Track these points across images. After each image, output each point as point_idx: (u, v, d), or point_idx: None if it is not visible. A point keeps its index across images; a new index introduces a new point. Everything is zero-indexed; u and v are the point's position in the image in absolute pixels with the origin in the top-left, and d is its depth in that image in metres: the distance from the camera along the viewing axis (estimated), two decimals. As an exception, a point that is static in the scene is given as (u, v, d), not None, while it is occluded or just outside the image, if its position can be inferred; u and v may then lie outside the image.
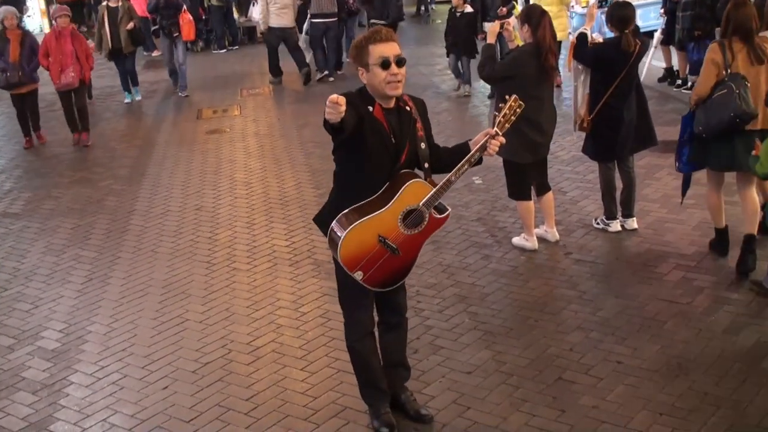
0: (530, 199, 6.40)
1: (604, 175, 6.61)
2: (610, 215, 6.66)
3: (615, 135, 6.36)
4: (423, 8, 22.54)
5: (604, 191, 6.66)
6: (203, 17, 18.08)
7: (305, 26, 14.13)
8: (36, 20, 21.63)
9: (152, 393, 4.85)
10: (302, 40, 14.21)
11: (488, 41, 6.25)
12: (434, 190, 3.84)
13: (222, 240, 7.18)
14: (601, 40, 6.79)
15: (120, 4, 12.57)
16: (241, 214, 7.79)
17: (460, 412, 4.43)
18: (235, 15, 18.89)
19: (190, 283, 6.35)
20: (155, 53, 17.11)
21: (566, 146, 8.89)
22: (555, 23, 6.65)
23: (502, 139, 3.85)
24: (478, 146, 3.85)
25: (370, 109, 3.84)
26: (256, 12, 14.37)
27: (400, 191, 3.82)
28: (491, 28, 6.38)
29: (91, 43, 11.79)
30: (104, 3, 12.78)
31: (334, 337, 5.29)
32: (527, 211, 6.39)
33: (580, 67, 6.54)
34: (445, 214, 3.97)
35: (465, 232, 6.87)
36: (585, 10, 10.33)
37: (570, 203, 7.35)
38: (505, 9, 11.65)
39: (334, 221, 3.88)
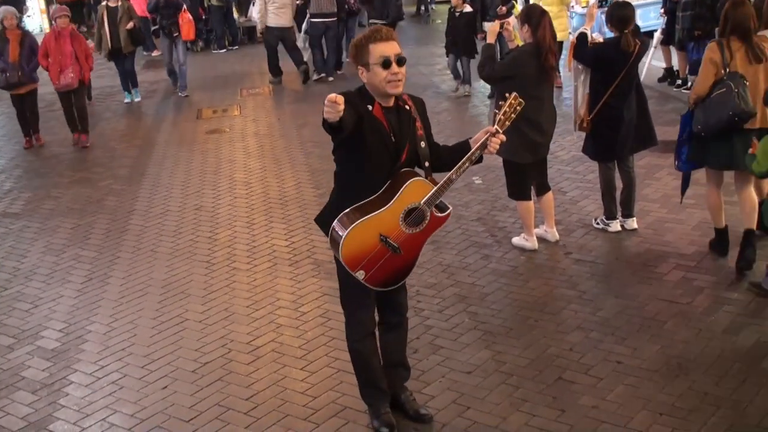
0: (530, 199, 6.40)
1: (604, 175, 6.61)
2: (610, 215, 6.66)
3: (615, 135, 6.37)
4: (423, 8, 22.55)
5: (604, 191, 6.66)
6: (203, 17, 18.07)
7: (304, 26, 14.12)
8: (36, 20, 21.63)
9: (152, 393, 4.85)
10: (301, 40, 14.21)
11: (488, 41, 6.25)
12: (435, 188, 3.84)
13: (222, 240, 7.18)
14: (601, 40, 6.79)
15: (119, 3, 12.55)
16: (241, 213, 7.79)
17: (459, 411, 4.43)
18: (235, 15, 18.89)
19: (190, 282, 6.35)
20: (155, 53, 17.11)
21: (566, 146, 8.89)
22: (555, 23, 6.65)
23: (503, 137, 3.85)
24: (478, 144, 3.86)
25: (370, 108, 3.84)
26: (255, 12, 14.36)
27: (401, 190, 3.82)
28: (491, 27, 6.38)
29: (90, 43, 11.78)
30: (104, 3, 12.76)
31: (334, 336, 5.29)
32: (527, 211, 6.39)
33: (580, 66, 6.54)
34: (446, 212, 3.97)
35: (465, 231, 6.87)
36: (585, 10, 10.33)
37: (570, 203, 7.35)
38: (504, 8, 11.65)
39: (336, 220, 3.88)
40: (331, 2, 13.69)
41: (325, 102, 3.45)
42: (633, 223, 6.66)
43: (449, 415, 4.40)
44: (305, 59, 14.02)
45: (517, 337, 5.16)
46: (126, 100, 13.27)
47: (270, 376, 4.91)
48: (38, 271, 6.79)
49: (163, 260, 6.81)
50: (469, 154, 3.85)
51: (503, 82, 5.88)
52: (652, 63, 11.78)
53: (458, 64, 12.07)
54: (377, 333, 4.28)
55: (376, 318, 4.27)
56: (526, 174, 6.32)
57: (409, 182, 3.83)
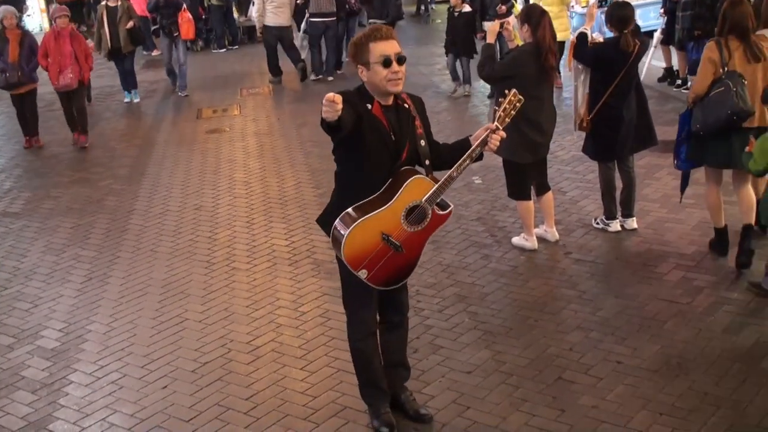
0: (530, 198, 6.39)
1: (604, 175, 6.61)
2: (610, 215, 6.66)
3: (614, 134, 6.37)
4: (423, 8, 22.55)
5: (604, 191, 6.66)
6: (203, 17, 18.07)
7: (303, 25, 14.11)
8: (36, 19, 21.62)
9: (152, 392, 4.84)
10: (299, 38, 14.19)
11: (488, 41, 6.25)
12: (436, 186, 3.84)
13: (221, 239, 7.17)
14: (601, 39, 6.79)
15: (119, 3, 12.52)
16: (241, 213, 7.79)
17: (459, 411, 4.43)
18: (235, 15, 18.88)
19: (190, 282, 6.34)
20: (155, 53, 17.10)
21: (566, 146, 8.89)
22: (556, 23, 6.65)
23: (503, 134, 3.86)
24: (479, 141, 3.86)
25: (369, 106, 3.85)
26: (255, 11, 14.35)
27: (402, 188, 3.81)
28: (491, 27, 6.38)
29: (90, 43, 11.77)
30: (103, 2, 12.74)
31: (334, 336, 5.29)
32: (527, 210, 6.39)
33: (580, 66, 6.54)
34: (448, 210, 3.97)
35: (465, 231, 6.87)
36: (585, 10, 10.32)
37: (570, 203, 7.35)
38: (504, 7, 11.64)
39: (337, 219, 3.87)
40: (330, 2, 13.69)
41: (324, 101, 3.45)
42: (633, 223, 6.66)
43: (449, 415, 4.40)
44: (302, 57, 14.01)
45: (517, 337, 5.16)
46: (126, 100, 13.26)
47: (270, 376, 4.91)
48: (38, 270, 6.78)
49: (163, 260, 6.81)
50: (469, 151, 3.85)
51: (503, 82, 5.88)
52: (652, 63, 11.78)
53: (457, 64, 12.07)
54: (377, 332, 4.28)
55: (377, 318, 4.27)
56: (526, 174, 6.32)
57: (410, 180, 3.83)
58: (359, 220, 3.80)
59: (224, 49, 18.16)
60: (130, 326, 5.69)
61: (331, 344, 5.22)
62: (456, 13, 11.95)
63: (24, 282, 6.57)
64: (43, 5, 21.52)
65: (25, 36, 10.56)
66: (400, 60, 3.80)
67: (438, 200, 3.88)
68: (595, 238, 6.58)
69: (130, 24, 12.47)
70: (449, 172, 3.85)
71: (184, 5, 13.61)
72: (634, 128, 6.40)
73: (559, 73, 11.25)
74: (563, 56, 9.75)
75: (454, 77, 12.18)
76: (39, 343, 5.55)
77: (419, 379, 4.71)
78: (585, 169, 8.03)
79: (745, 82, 5.57)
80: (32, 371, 5.19)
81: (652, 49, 11.20)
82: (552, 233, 6.55)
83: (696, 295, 5.55)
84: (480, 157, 3.94)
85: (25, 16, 19.71)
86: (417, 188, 3.84)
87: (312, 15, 13.73)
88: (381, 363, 4.28)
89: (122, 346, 5.42)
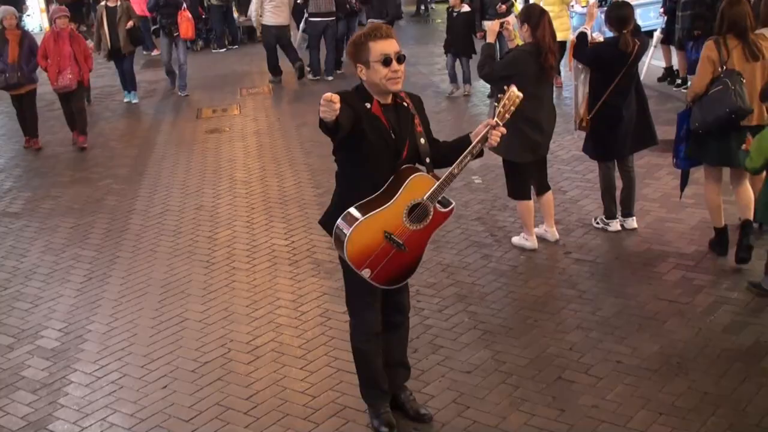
0: (530, 198, 6.39)
1: (604, 175, 6.61)
2: (610, 215, 6.66)
3: (614, 134, 6.37)
4: (423, 8, 22.55)
5: (604, 190, 6.66)
6: (203, 16, 18.06)
7: (302, 25, 14.10)
8: (36, 19, 21.60)
9: (152, 392, 4.84)
10: (298, 39, 14.17)
11: (488, 40, 6.25)
12: (438, 183, 3.84)
13: (221, 239, 7.17)
14: (601, 39, 6.79)
15: (118, 3, 12.51)
16: (241, 213, 7.79)
17: (459, 411, 4.43)
18: (235, 14, 18.87)
19: (190, 282, 6.34)
20: (155, 52, 17.08)
21: (566, 145, 8.89)
22: (556, 23, 6.65)
23: (503, 129, 3.85)
24: (479, 137, 3.86)
25: (368, 106, 3.85)
26: (255, 12, 14.33)
27: (403, 186, 3.81)
28: (491, 27, 6.39)
29: (90, 44, 11.75)
30: (103, 3, 12.73)
31: (334, 336, 5.29)
32: (527, 210, 6.38)
33: (580, 66, 6.55)
34: (450, 207, 3.97)
35: (465, 231, 6.87)
36: (585, 10, 10.32)
37: (570, 202, 7.35)
38: (504, 6, 11.64)
39: (339, 219, 3.86)
40: (330, 2, 13.67)
41: (321, 101, 3.45)
42: (633, 223, 6.66)
43: (449, 415, 4.40)
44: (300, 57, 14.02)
45: (516, 337, 5.16)
46: (126, 100, 13.25)
47: (270, 376, 4.91)
48: (38, 270, 6.78)
49: (163, 260, 6.81)
50: (470, 147, 3.85)
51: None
52: (652, 62, 11.78)
53: (457, 64, 12.05)
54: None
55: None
56: (525, 173, 6.32)
57: (411, 178, 3.83)
58: (361, 219, 3.80)
59: (224, 49, 18.15)
60: (130, 326, 5.69)
61: (331, 344, 5.22)
62: (454, 14, 11.95)
63: (24, 282, 6.57)
64: (42, 5, 21.50)
65: (25, 36, 10.54)
66: (400, 59, 3.81)
67: (440, 198, 3.88)
68: (595, 238, 6.58)
69: (130, 24, 12.45)
70: (450, 169, 3.85)
71: (184, 4, 13.59)
72: (634, 128, 6.40)
73: (560, 72, 11.25)
74: (564, 56, 9.75)
75: (452, 79, 12.14)
76: (39, 343, 5.55)
77: (419, 379, 4.71)
78: (585, 168, 8.03)
79: (744, 81, 5.60)
80: (32, 371, 5.19)
81: (651, 48, 11.19)
82: (552, 233, 6.55)
83: (696, 294, 5.55)
84: (480, 154, 3.94)
85: (24, 16, 19.69)
86: (418, 186, 3.84)
87: (311, 15, 13.72)
88: (382, 364, 4.28)
89: (122, 345, 5.42)
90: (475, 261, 6.31)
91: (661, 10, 11.50)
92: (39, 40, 10.69)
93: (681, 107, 6.43)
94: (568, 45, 7.26)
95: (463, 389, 4.62)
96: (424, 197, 3.85)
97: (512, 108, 3.84)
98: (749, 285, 5.55)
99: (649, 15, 12.29)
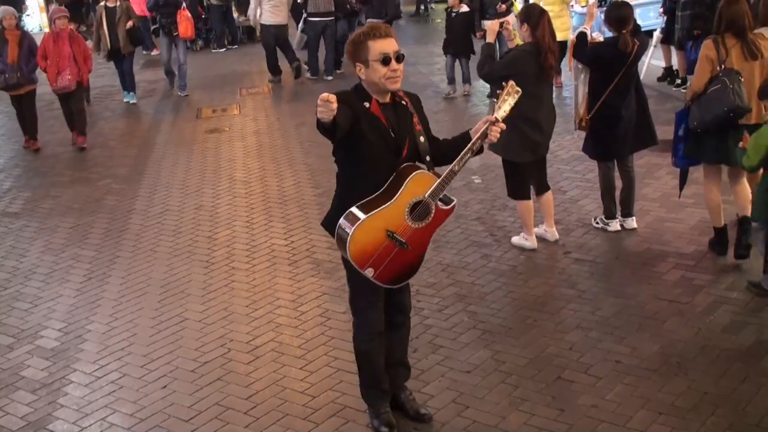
0: (529, 198, 6.39)
1: (604, 175, 6.61)
2: (610, 214, 6.66)
3: (614, 134, 6.37)
4: (422, 7, 22.54)
5: (604, 190, 6.66)
6: (202, 16, 18.04)
7: (300, 25, 14.10)
8: (35, 19, 21.58)
9: (151, 392, 4.84)
10: (296, 40, 14.17)
11: (488, 40, 6.25)
12: (439, 180, 3.84)
13: (221, 239, 7.17)
14: (601, 39, 6.80)
15: (118, 4, 12.50)
16: (240, 213, 7.79)
17: (459, 411, 4.43)
18: (235, 14, 18.86)
19: (189, 282, 6.34)
20: (154, 52, 17.06)
21: (566, 145, 8.89)
22: (557, 22, 6.65)
23: (503, 125, 3.86)
24: (479, 134, 3.86)
25: (367, 105, 3.85)
26: (255, 12, 14.32)
27: (404, 184, 3.81)
28: (491, 26, 6.39)
29: (89, 44, 11.73)
30: (102, 3, 12.71)
31: (334, 336, 5.29)
32: (526, 210, 6.38)
33: (580, 66, 6.55)
34: (451, 205, 3.97)
35: (464, 231, 6.87)
36: (585, 9, 10.32)
37: (569, 202, 7.35)
38: (504, 6, 11.63)
39: (342, 218, 3.86)
40: (328, 1, 13.66)
41: (318, 101, 3.45)
42: (632, 223, 6.66)
43: (449, 415, 4.40)
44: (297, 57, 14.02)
45: (516, 337, 5.16)
46: (125, 99, 13.24)
47: (269, 376, 4.91)
48: (37, 270, 6.78)
49: (163, 260, 6.81)
50: (470, 144, 3.86)
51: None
52: (652, 62, 11.78)
53: (456, 65, 12.03)
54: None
55: None
56: (525, 173, 6.32)
57: (412, 176, 3.83)
58: (364, 218, 3.79)
59: (224, 49, 18.14)
60: (129, 326, 5.69)
61: (331, 344, 5.22)
62: (453, 14, 11.94)
63: (23, 282, 6.57)
64: (42, 4, 21.47)
65: (25, 37, 10.52)
66: (399, 58, 3.81)
67: (441, 195, 3.88)
68: (595, 238, 6.58)
69: (129, 24, 12.43)
70: (451, 166, 3.86)
71: (184, 4, 13.57)
72: (633, 128, 6.40)
73: (560, 72, 11.23)
74: (565, 55, 9.75)
75: (450, 80, 12.08)
76: (38, 342, 5.55)
77: (419, 379, 4.71)
78: (584, 168, 8.03)
79: (742, 80, 5.62)
80: (32, 371, 5.19)
81: (651, 48, 11.19)
82: (551, 233, 6.54)
83: (695, 294, 5.55)
84: (480, 150, 3.95)
85: (24, 15, 19.67)
86: (419, 184, 3.84)
87: (310, 15, 13.70)
88: (384, 364, 4.28)
89: (122, 345, 5.42)
90: (475, 261, 6.31)
91: (661, 9, 11.50)
92: (39, 40, 10.68)
93: (681, 107, 6.43)
94: (569, 45, 7.26)
95: (463, 389, 4.62)
96: (426, 195, 3.85)
97: (511, 104, 3.85)
98: (749, 285, 5.55)
99: (648, 15, 12.29)
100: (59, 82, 10.35)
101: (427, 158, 3.97)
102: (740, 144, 5.46)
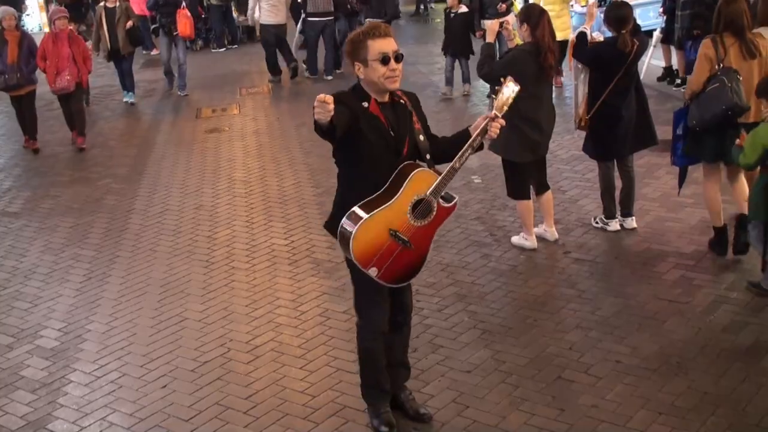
0: (529, 198, 6.39)
1: (604, 174, 6.61)
2: (609, 214, 6.66)
3: (614, 134, 6.37)
4: (422, 7, 22.54)
5: (604, 190, 6.66)
6: (202, 16, 18.03)
7: (299, 26, 14.09)
8: (35, 18, 21.56)
9: (151, 392, 4.84)
10: (295, 41, 14.16)
11: (488, 40, 6.25)
12: (440, 178, 3.84)
13: (221, 239, 7.17)
14: (601, 38, 6.79)
15: (117, 4, 12.49)
16: (240, 212, 7.78)
17: (459, 411, 4.43)
18: (234, 14, 18.86)
19: (189, 282, 6.34)
20: (154, 52, 17.05)
21: (565, 145, 8.89)
22: (557, 22, 6.65)
23: (502, 121, 3.87)
24: (479, 130, 3.87)
25: (366, 105, 3.86)
26: (255, 11, 14.31)
27: (406, 182, 3.81)
28: (490, 26, 6.38)
29: (89, 44, 11.71)
30: (102, 4, 12.70)
31: (334, 336, 5.29)
32: (526, 210, 6.38)
33: (580, 65, 6.55)
34: (453, 202, 3.97)
35: (464, 231, 6.87)
36: (584, 9, 10.32)
37: (569, 202, 7.35)
38: (504, 5, 11.63)
39: (344, 218, 3.85)
40: (327, 1, 13.65)
41: (315, 102, 3.46)
42: (632, 222, 6.66)
43: (448, 414, 4.40)
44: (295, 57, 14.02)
45: (516, 336, 5.16)
46: (125, 99, 13.23)
47: (269, 376, 4.91)
48: (37, 270, 6.78)
49: (163, 259, 6.81)
50: (470, 141, 3.86)
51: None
52: (652, 62, 11.78)
53: (456, 64, 12.01)
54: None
55: None
56: (525, 173, 6.32)
57: (413, 174, 3.83)
58: (366, 218, 3.79)
59: (223, 49, 18.13)
60: (129, 326, 5.69)
61: (331, 344, 5.22)
62: (452, 14, 11.92)
63: (23, 281, 6.57)
64: (42, 3, 21.43)
65: (24, 37, 10.49)
66: (398, 58, 3.82)
67: (442, 193, 3.88)
68: (595, 238, 6.58)
69: (129, 24, 12.42)
70: (451, 163, 3.86)
71: (183, 3, 13.55)
72: (633, 127, 6.41)
73: (560, 72, 11.22)
74: (565, 55, 9.76)
75: (448, 81, 12.04)
76: (38, 342, 5.55)
77: (419, 379, 4.71)
78: (584, 168, 8.03)
79: (740, 78, 5.64)
80: (31, 371, 5.19)
81: (651, 48, 11.19)
82: (551, 232, 6.54)
83: (695, 294, 5.55)
84: (481, 147, 3.95)
85: (24, 15, 19.65)
86: (421, 182, 3.84)
87: (309, 15, 13.69)
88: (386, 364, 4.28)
89: (121, 345, 5.42)
90: (475, 260, 6.31)
91: (661, 9, 11.50)
92: (38, 40, 10.67)
93: (680, 107, 6.43)
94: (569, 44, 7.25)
95: (463, 389, 4.62)
96: (428, 193, 3.85)
97: (510, 100, 3.86)
98: (749, 284, 5.55)
99: (648, 14, 12.30)
100: (58, 82, 10.32)
101: (428, 156, 3.97)
102: (737, 141, 5.47)
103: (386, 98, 3.92)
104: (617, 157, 6.55)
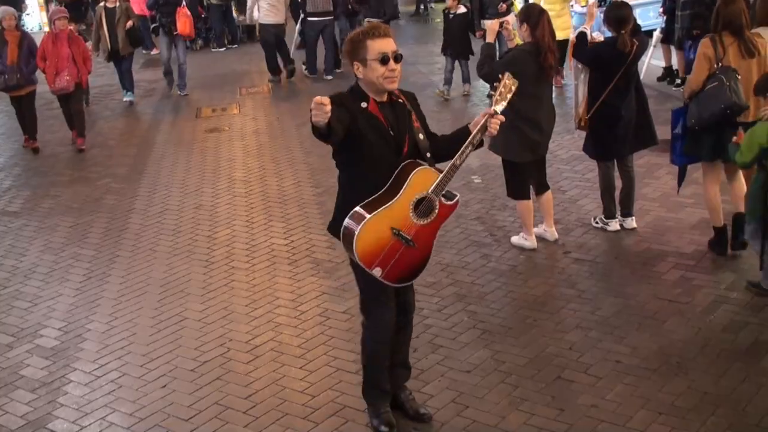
0: (529, 198, 6.39)
1: (604, 174, 6.61)
2: (609, 214, 6.66)
3: (614, 134, 6.37)
4: (422, 7, 22.54)
5: (604, 190, 6.66)
6: (202, 15, 18.02)
7: (298, 27, 14.07)
8: (35, 18, 21.55)
9: (151, 391, 4.84)
10: (295, 39, 14.14)
11: (488, 40, 6.24)
12: (441, 176, 3.84)
13: (221, 239, 7.17)
14: (601, 38, 6.80)
15: (117, 4, 12.48)
16: (240, 212, 7.78)
17: (458, 410, 4.43)
18: (234, 14, 18.86)
19: (189, 281, 6.34)
20: (154, 51, 17.05)
21: (565, 145, 8.89)
22: (557, 22, 6.64)
23: (502, 117, 3.88)
24: (478, 127, 3.87)
25: (365, 105, 3.86)
26: (255, 11, 14.30)
27: (407, 181, 3.81)
28: (490, 26, 6.38)
29: (88, 44, 11.70)
30: (102, 4, 12.69)
31: (333, 335, 5.29)
32: (526, 210, 6.38)
33: (580, 65, 6.55)
34: (455, 200, 3.97)
35: (464, 231, 6.87)
36: (584, 9, 10.32)
37: (569, 202, 7.35)
38: (504, 5, 11.62)
39: (347, 218, 3.85)
40: (327, 1, 13.65)
41: (312, 105, 3.46)
42: (632, 222, 6.66)
43: (448, 414, 4.40)
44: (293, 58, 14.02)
45: (516, 336, 5.16)
46: (125, 99, 13.23)
47: (269, 375, 4.91)
48: (37, 269, 6.78)
49: (162, 259, 6.81)
50: (470, 138, 3.87)
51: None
52: (652, 62, 11.77)
53: (455, 65, 11.99)
54: None
55: None
56: (525, 173, 6.32)
57: (414, 172, 3.83)
58: (369, 217, 3.79)
59: (223, 48, 18.12)
60: (129, 325, 5.69)
61: (331, 343, 5.22)
62: (451, 15, 11.91)
63: (23, 281, 6.57)
64: (42, 2, 21.41)
65: (24, 38, 10.47)
66: (397, 58, 3.83)
67: (444, 191, 3.88)
68: (595, 238, 6.58)
69: (129, 24, 12.41)
70: (452, 161, 3.87)
71: (183, 2, 13.52)
72: (633, 127, 6.41)
73: (561, 72, 11.21)
74: (565, 55, 9.75)
75: (447, 82, 12.02)
76: (38, 342, 5.55)
77: (418, 378, 4.71)
78: (584, 168, 8.03)
79: (739, 77, 5.65)
80: (31, 370, 5.19)
81: (651, 48, 11.18)
82: (551, 232, 6.54)
83: (695, 294, 5.55)
84: (481, 144, 3.96)
85: (24, 15, 19.64)
86: (422, 180, 3.84)
87: (308, 14, 13.68)
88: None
89: (121, 345, 5.42)
90: (475, 260, 6.31)
91: (661, 9, 11.50)
92: (38, 40, 10.65)
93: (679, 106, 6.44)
94: (569, 44, 7.26)
95: (463, 389, 4.62)
96: (429, 191, 3.85)
97: (508, 95, 3.86)
98: (748, 284, 5.55)
99: (648, 14, 12.29)
100: (57, 83, 10.30)
101: (428, 155, 3.97)
102: (734, 139, 5.48)
103: (385, 98, 3.93)
104: (617, 157, 6.55)
